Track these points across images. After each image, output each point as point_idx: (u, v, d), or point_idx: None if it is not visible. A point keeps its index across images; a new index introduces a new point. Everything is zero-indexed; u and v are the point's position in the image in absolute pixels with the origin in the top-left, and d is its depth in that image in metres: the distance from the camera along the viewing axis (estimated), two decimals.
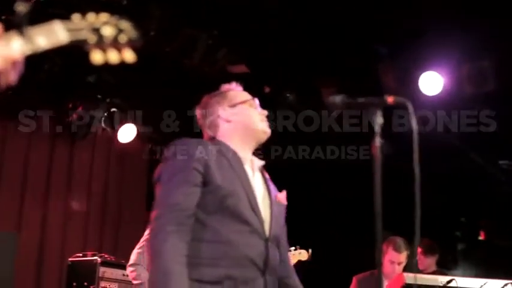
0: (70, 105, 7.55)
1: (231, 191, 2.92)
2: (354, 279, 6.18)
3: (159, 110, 7.95)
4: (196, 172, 2.89)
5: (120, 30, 1.97)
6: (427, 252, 7.32)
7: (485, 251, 11.25)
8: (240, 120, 3.21)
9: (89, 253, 6.00)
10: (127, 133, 7.90)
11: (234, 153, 3.10)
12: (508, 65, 6.84)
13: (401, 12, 6.52)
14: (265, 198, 3.10)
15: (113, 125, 7.85)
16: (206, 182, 2.90)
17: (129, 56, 1.99)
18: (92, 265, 5.85)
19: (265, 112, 3.28)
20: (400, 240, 6.07)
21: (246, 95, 3.33)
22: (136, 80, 7.41)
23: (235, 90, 3.35)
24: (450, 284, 4.32)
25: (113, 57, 1.96)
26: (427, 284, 4.36)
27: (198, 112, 3.32)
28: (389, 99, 2.51)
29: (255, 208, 2.97)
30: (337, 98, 2.65)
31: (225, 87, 3.37)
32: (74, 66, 7.03)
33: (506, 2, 6.16)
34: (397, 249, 6.05)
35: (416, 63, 7.06)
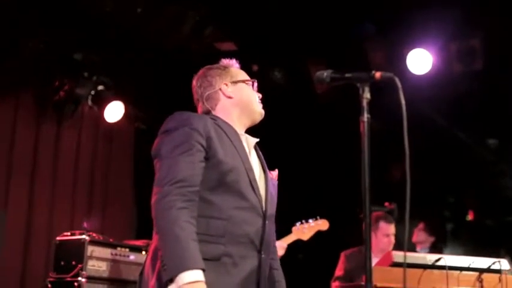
0: (56, 83, 7.49)
1: (232, 167, 2.89)
2: (342, 255, 6.19)
3: (146, 88, 7.92)
4: (199, 145, 2.85)
5: None
6: (428, 231, 7.48)
7: (473, 230, 11.29)
8: (240, 98, 3.19)
9: (77, 232, 5.96)
10: (114, 111, 7.84)
11: (233, 129, 3.09)
12: (497, 43, 6.84)
13: None
14: (261, 176, 3.09)
15: (100, 104, 7.79)
16: (208, 156, 2.87)
17: None
18: (80, 244, 5.80)
19: (260, 95, 3.27)
20: (385, 213, 6.13)
21: (245, 75, 3.31)
22: (123, 58, 7.36)
23: (236, 68, 3.32)
24: (438, 263, 4.32)
25: None
26: (416, 262, 4.37)
27: (194, 82, 3.27)
28: (377, 75, 2.50)
29: (253, 185, 2.96)
30: (325, 73, 2.64)
31: (226, 62, 3.33)
32: (60, 44, 6.98)
33: None
34: (389, 221, 6.11)
35: (405, 41, 7.05)
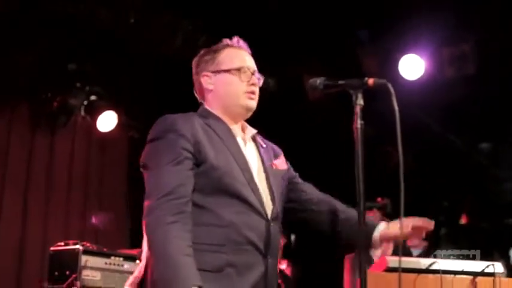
0: (49, 94, 7.49)
1: (225, 170, 2.69)
2: (347, 260, 6.20)
3: (140, 98, 7.92)
4: (187, 152, 2.65)
5: None
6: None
7: (467, 234, 11.32)
8: (219, 91, 2.92)
9: (71, 242, 5.95)
10: (107, 121, 7.84)
11: (224, 125, 2.86)
12: (488, 47, 6.87)
13: None
14: (260, 171, 2.86)
15: (93, 113, 7.79)
16: (199, 162, 2.67)
17: None
18: (74, 254, 5.79)
19: (256, 84, 2.94)
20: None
21: (239, 60, 2.95)
22: (116, 68, 7.36)
23: (230, 50, 2.98)
24: (432, 267, 4.32)
25: None
26: (410, 267, 4.36)
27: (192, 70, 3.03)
28: (370, 81, 2.50)
29: (252, 186, 2.75)
30: (318, 81, 2.64)
31: (224, 42, 3.03)
32: (53, 54, 6.99)
33: None
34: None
35: (397, 46, 7.08)
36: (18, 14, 6.35)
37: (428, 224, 2.89)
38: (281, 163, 3.01)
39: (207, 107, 2.94)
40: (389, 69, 7.06)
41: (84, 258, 5.81)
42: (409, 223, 2.88)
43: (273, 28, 6.81)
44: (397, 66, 7.03)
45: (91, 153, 8.24)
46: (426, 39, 6.83)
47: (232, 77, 2.90)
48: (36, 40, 6.75)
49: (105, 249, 6.09)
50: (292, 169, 3.11)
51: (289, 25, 6.80)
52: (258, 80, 2.97)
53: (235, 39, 3.01)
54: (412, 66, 6.98)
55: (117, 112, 7.85)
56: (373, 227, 2.98)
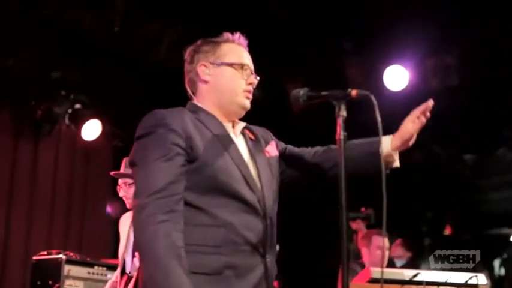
0: (34, 102, 7.46)
1: (219, 167, 2.56)
2: (340, 271, 6.23)
3: (124, 106, 7.90)
4: (178, 148, 2.51)
5: None
6: (406, 246, 7.62)
7: (451, 245, 11.34)
8: (217, 84, 2.76)
9: (54, 251, 5.92)
10: (92, 130, 7.83)
11: (215, 119, 2.71)
12: (472, 59, 6.90)
13: (366, 6, 6.54)
14: (249, 163, 2.71)
15: (78, 122, 7.77)
16: (191, 159, 2.53)
17: None
18: (57, 263, 5.77)
19: (254, 84, 2.82)
20: (378, 229, 6.23)
21: (241, 56, 2.82)
22: (101, 76, 7.34)
23: (231, 44, 2.84)
24: (416, 278, 4.33)
25: None
26: (394, 278, 4.38)
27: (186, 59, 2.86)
28: (353, 93, 2.48)
29: (249, 181, 2.63)
30: (301, 92, 2.62)
31: (225, 36, 2.86)
32: (38, 63, 6.96)
33: None
34: (382, 235, 6.15)
35: (382, 57, 7.10)
36: (1, 21, 6.32)
37: (426, 106, 2.80)
38: (272, 149, 2.89)
39: (196, 102, 2.79)
40: (373, 80, 7.08)
41: (67, 268, 5.79)
42: (407, 123, 2.81)
43: (257, 38, 6.81)
44: (381, 77, 7.05)
45: (75, 161, 8.22)
46: (410, 51, 6.85)
47: (235, 72, 2.77)
48: (20, 47, 6.73)
49: (88, 259, 6.07)
50: (281, 144, 2.99)
51: (273, 36, 6.80)
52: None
53: (237, 35, 2.87)
54: (397, 77, 7.01)
55: (101, 121, 7.84)
56: (376, 148, 2.73)
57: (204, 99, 2.77)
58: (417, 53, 6.84)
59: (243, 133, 2.82)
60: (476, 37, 6.83)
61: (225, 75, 2.76)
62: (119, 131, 8.28)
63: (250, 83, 2.80)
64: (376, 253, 6.20)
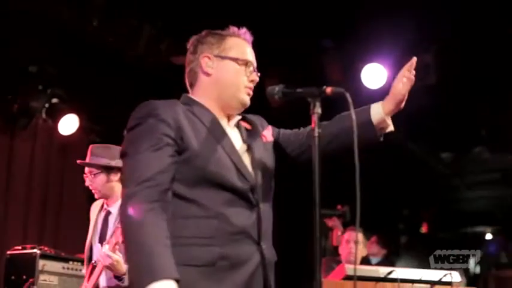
0: (10, 96, 7.41)
1: (209, 157, 2.55)
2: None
3: (102, 101, 7.86)
4: (168, 138, 2.51)
5: None
6: (381, 244, 7.66)
7: (427, 242, 11.43)
8: (219, 77, 2.75)
9: (28, 246, 5.89)
10: (69, 124, 7.77)
11: (209, 112, 2.70)
12: (449, 58, 6.94)
13: (345, 4, 6.56)
14: (244, 154, 2.71)
15: (55, 117, 7.72)
16: (181, 150, 2.53)
17: None
18: (31, 258, 5.73)
19: (255, 82, 2.83)
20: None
21: (247, 53, 2.82)
22: (79, 71, 7.30)
23: (237, 39, 2.84)
24: (390, 275, 4.35)
25: None
26: (368, 275, 4.39)
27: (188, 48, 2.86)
28: (328, 90, 2.47)
29: (241, 168, 2.62)
30: (276, 88, 2.62)
31: (231, 30, 2.86)
32: (15, 56, 6.91)
33: None
34: (354, 229, 6.21)
35: (360, 55, 7.12)
36: None
37: (410, 63, 2.80)
38: (268, 134, 2.90)
39: (191, 95, 2.79)
40: (352, 78, 7.10)
41: (41, 263, 5.75)
42: (397, 84, 2.86)
43: None
44: (359, 75, 7.07)
45: (51, 156, 8.15)
46: (389, 49, 6.88)
47: (239, 68, 2.76)
48: None
49: (63, 254, 6.03)
50: (275, 129, 2.99)
51: (252, 32, 6.80)
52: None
53: (243, 30, 2.87)
54: (375, 75, 7.03)
55: (78, 115, 7.79)
56: (367, 114, 2.86)
57: (203, 91, 2.76)
58: (395, 52, 6.86)
59: (237, 125, 2.82)
60: (454, 36, 6.87)
61: (229, 70, 2.75)
62: (96, 126, 8.24)
63: (252, 80, 2.80)
64: (348, 246, 6.26)
